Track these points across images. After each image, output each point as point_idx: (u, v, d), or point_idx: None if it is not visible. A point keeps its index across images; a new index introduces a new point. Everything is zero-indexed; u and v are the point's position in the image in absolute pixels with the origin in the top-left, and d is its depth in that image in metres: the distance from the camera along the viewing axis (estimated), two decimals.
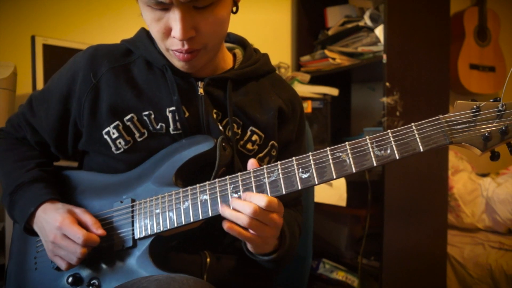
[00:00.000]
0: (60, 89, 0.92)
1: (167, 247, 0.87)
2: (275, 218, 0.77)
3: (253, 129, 0.94)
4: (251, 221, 0.75)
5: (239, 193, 0.78)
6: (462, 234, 2.33)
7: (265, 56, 1.02)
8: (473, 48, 2.72)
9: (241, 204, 0.76)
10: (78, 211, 0.86)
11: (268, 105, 0.96)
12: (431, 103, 1.99)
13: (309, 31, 2.54)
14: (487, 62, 2.76)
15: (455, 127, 0.71)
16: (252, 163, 0.80)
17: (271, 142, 0.96)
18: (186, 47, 0.80)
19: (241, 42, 1.02)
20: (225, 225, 0.77)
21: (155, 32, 0.82)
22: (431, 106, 1.99)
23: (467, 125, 0.70)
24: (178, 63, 0.85)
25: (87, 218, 0.84)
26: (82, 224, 0.84)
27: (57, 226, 0.82)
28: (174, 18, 0.77)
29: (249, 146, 0.93)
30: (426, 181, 2.00)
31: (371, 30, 2.09)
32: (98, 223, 0.84)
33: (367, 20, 2.10)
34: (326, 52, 2.26)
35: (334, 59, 2.24)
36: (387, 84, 1.87)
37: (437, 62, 2.02)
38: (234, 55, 1.00)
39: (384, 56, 1.88)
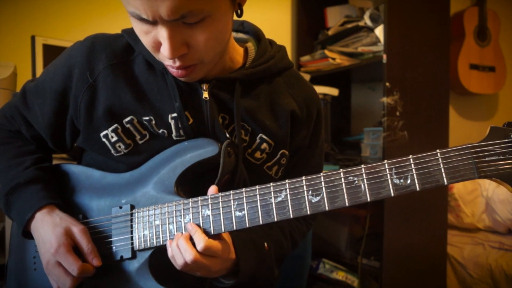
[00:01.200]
0: (56, 84, 0.85)
1: (168, 259, 0.83)
2: (208, 265, 0.74)
3: (263, 136, 0.87)
4: (185, 265, 0.73)
5: (243, 212, 0.74)
6: (462, 234, 2.33)
7: (282, 50, 0.92)
8: (473, 48, 2.72)
9: (185, 248, 0.73)
10: (76, 231, 0.80)
11: (281, 110, 0.88)
12: (431, 103, 1.99)
13: (309, 31, 2.54)
14: (487, 62, 2.76)
15: (486, 158, 0.62)
16: (212, 191, 0.77)
17: (281, 151, 0.89)
18: (177, 64, 0.73)
19: (256, 34, 0.92)
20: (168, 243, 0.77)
21: (145, 44, 0.74)
22: (431, 106, 1.99)
23: (501, 157, 0.62)
24: (175, 74, 0.78)
25: (84, 243, 0.80)
26: (78, 248, 0.80)
27: (52, 253, 0.78)
28: (162, 35, 0.69)
29: (257, 155, 0.87)
30: None
31: (371, 30, 2.09)
32: (94, 251, 0.80)
33: (367, 20, 2.10)
34: (326, 52, 2.26)
35: (334, 59, 2.24)
36: (387, 84, 1.87)
37: (437, 62, 2.03)
38: (246, 50, 0.90)
39: (384, 56, 1.88)
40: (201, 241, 0.72)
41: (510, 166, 0.61)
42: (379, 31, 2.00)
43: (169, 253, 0.76)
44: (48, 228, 0.80)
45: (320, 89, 2.22)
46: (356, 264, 2.08)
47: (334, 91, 2.25)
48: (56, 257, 0.78)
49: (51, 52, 1.64)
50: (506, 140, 0.62)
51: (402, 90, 1.90)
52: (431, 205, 2.02)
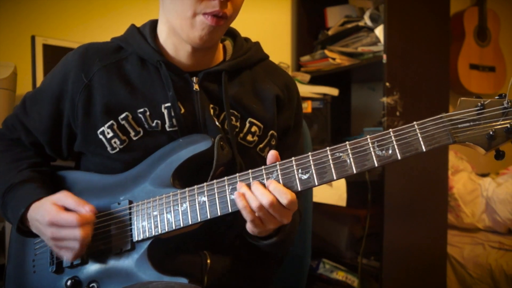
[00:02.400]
0: (52, 89, 0.91)
1: (167, 248, 0.86)
2: (286, 215, 0.76)
3: (252, 120, 0.93)
4: (262, 210, 0.74)
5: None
6: (462, 234, 2.32)
7: (257, 44, 1.01)
8: (473, 48, 2.72)
9: (261, 192, 0.74)
10: (59, 196, 0.84)
11: (265, 94, 0.95)
12: (431, 103, 1.99)
13: (309, 31, 2.54)
14: (487, 62, 2.76)
15: (459, 125, 0.69)
16: (272, 155, 0.78)
17: (271, 132, 0.94)
18: (223, 9, 0.81)
19: (231, 33, 1.01)
20: (237, 195, 0.76)
21: (187, 1, 0.81)
22: (431, 106, 1.99)
23: (471, 123, 0.69)
24: (199, 33, 0.83)
25: (70, 201, 0.82)
26: (68, 210, 0.82)
27: (48, 222, 0.80)
28: None
29: (249, 138, 0.92)
30: (426, 181, 2.00)
31: (371, 30, 2.09)
32: (82, 201, 0.82)
33: (367, 20, 2.10)
34: (326, 52, 2.26)
35: (334, 59, 2.24)
36: (387, 84, 1.87)
37: (437, 62, 2.02)
38: (224, 47, 0.99)
39: (384, 56, 1.88)
40: (287, 194, 0.74)
41: (479, 130, 0.68)
42: (379, 31, 2.00)
43: (240, 204, 0.75)
44: (39, 210, 0.84)
45: (320, 89, 2.22)
46: (356, 264, 2.08)
47: (334, 91, 2.25)
48: (53, 224, 0.80)
49: (51, 52, 1.64)
50: (474, 108, 0.69)
51: (402, 90, 1.90)
52: (431, 205, 2.02)
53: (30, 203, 0.85)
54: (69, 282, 0.85)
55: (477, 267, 2.13)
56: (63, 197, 0.84)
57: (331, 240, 2.26)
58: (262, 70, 0.99)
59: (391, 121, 1.88)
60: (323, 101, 2.19)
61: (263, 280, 0.98)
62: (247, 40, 1.02)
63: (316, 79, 2.33)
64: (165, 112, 0.87)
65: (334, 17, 2.44)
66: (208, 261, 0.88)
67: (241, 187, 0.76)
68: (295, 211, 0.94)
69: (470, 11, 2.73)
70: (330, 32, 2.36)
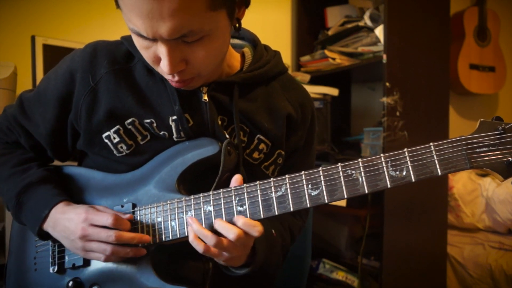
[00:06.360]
0: (58, 90, 0.86)
1: (169, 253, 0.85)
2: (248, 242, 0.75)
3: (261, 137, 0.89)
4: (220, 245, 0.73)
5: (244, 206, 0.75)
6: (462, 234, 2.33)
7: (277, 55, 0.95)
8: (473, 48, 2.72)
9: (226, 228, 0.73)
10: (99, 206, 0.84)
11: (277, 113, 0.90)
12: (431, 103, 1.99)
13: (309, 31, 2.54)
14: (487, 62, 2.76)
15: (477, 150, 0.66)
16: (236, 180, 0.77)
17: (278, 151, 0.91)
18: (176, 78, 0.75)
19: (252, 40, 0.95)
20: (191, 236, 0.74)
21: (145, 57, 0.76)
22: (431, 106, 1.99)
23: (490, 148, 0.65)
24: (174, 84, 0.80)
25: (110, 211, 0.82)
26: None
27: (83, 218, 0.79)
28: (161, 52, 0.71)
29: (255, 155, 0.89)
30: (426, 181, 1.99)
31: (371, 30, 2.10)
32: (121, 215, 0.82)
33: (367, 20, 2.10)
34: (326, 52, 2.26)
35: (334, 59, 2.24)
36: (387, 84, 1.87)
37: (437, 62, 2.02)
38: (243, 55, 0.93)
39: (384, 56, 1.88)
40: (258, 226, 0.73)
41: (499, 156, 0.65)
42: (379, 31, 2.00)
43: (191, 237, 0.75)
44: (71, 210, 0.82)
45: (320, 89, 2.22)
46: (356, 264, 2.08)
47: (334, 91, 2.25)
48: (88, 220, 0.79)
49: (51, 52, 1.64)
50: (495, 132, 0.65)
51: (402, 90, 1.90)
52: (431, 205, 2.02)
53: (53, 204, 0.83)
54: (70, 283, 0.84)
55: (477, 267, 2.13)
56: (102, 207, 0.84)
57: (331, 240, 2.26)
58: (278, 85, 0.93)
59: (391, 121, 1.88)
60: (323, 101, 2.19)
61: (266, 286, 0.97)
62: (267, 48, 0.96)
63: (316, 79, 2.33)
64: (173, 125, 0.84)
65: (334, 17, 2.44)
66: (211, 266, 0.87)
67: (193, 225, 0.74)
68: (286, 233, 0.93)
69: (470, 11, 2.72)
70: (330, 32, 2.36)
